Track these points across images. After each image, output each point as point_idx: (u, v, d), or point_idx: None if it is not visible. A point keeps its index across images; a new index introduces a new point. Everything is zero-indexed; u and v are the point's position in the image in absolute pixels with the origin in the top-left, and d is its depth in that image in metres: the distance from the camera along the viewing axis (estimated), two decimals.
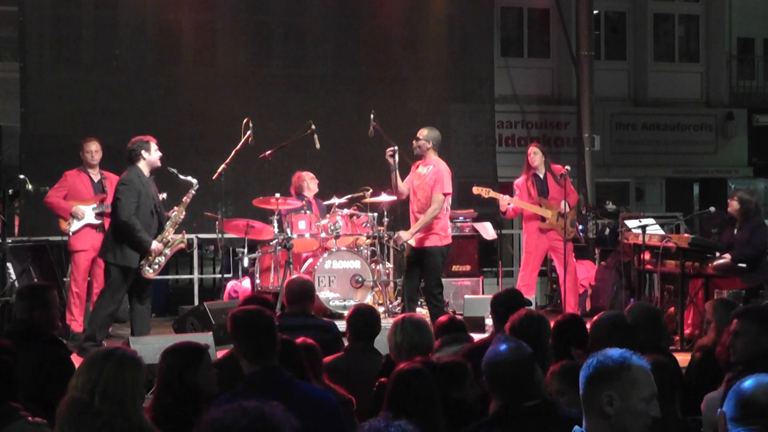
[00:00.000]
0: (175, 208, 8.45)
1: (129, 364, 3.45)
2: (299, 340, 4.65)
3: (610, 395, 2.95)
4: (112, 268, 8.10)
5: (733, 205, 9.37)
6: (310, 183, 10.78)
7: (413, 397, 3.81)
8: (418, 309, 10.29)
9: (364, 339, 5.40)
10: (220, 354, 5.99)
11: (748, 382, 3.10)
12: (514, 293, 5.87)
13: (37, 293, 5.41)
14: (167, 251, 8.30)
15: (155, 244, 8.13)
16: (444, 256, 8.96)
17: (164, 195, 8.44)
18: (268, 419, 2.31)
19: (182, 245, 8.50)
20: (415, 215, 8.94)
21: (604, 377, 2.98)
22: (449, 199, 8.95)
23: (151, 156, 8.15)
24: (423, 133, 8.96)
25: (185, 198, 8.48)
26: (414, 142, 8.98)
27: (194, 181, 8.49)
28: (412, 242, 8.89)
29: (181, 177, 8.45)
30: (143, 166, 8.12)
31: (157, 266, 8.21)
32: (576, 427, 3.08)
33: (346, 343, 5.65)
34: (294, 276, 6.61)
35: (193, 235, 12.15)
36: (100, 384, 3.36)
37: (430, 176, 8.81)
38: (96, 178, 9.50)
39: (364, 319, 5.45)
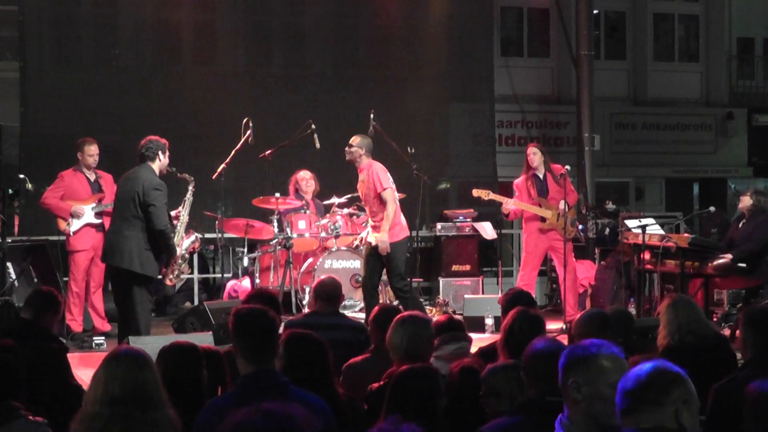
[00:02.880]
0: (179, 209, 8.39)
1: (141, 364, 3.33)
2: None
3: (576, 382, 3.12)
4: (134, 280, 7.66)
5: (745, 200, 9.41)
6: (310, 183, 10.78)
7: (413, 398, 3.79)
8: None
9: None
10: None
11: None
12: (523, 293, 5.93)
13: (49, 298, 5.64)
14: (185, 254, 8.28)
15: (178, 251, 8.07)
16: (400, 251, 8.93)
17: None
18: (291, 422, 2.31)
19: (195, 245, 8.49)
20: (373, 220, 8.99)
21: (572, 365, 3.16)
22: (395, 193, 8.96)
23: (165, 160, 7.90)
24: (356, 140, 8.93)
25: (187, 197, 8.43)
26: (346, 149, 8.96)
27: (191, 178, 8.42)
28: (372, 240, 8.90)
29: (180, 175, 8.35)
30: (156, 168, 7.83)
31: (178, 272, 8.13)
32: (560, 415, 3.22)
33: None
34: (324, 276, 6.55)
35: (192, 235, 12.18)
36: (112, 391, 3.24)
37: (368, 181, 8.85)
38: (92, 177, 9.47)
39: (392, 318, 5.41)
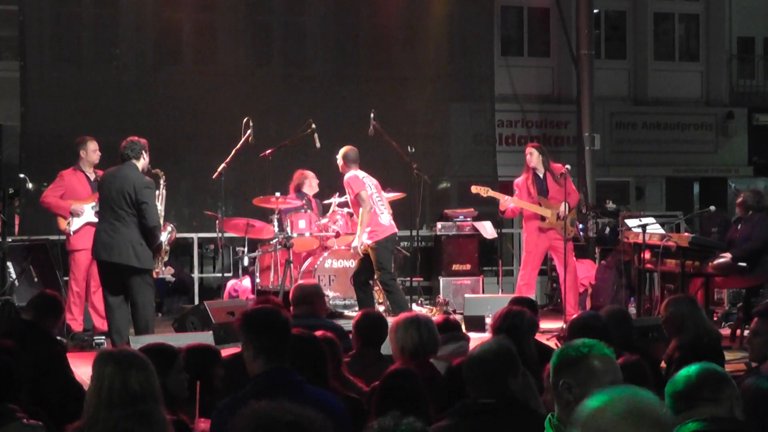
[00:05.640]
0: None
1: (132, 365, 3.27)
2: (318, 333, 4.65)
3: (568, 383, 3.12)
4: (135, 274, 7.82)
5: (740, 201, 9.44)
6: (311, 182, 10.79)
7: (401, 398, 3.79)
8: (417, 308, 10.32)
9: (374, 345, 5.37)
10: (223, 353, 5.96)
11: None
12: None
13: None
14: (167, 247, 8.43)
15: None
16: (385, 248, 9.19)
17: None
18: (308, 420, 2.31)
19: (173, 236, 8.66)
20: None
21: (564, 366, 3.15)
22: (370, 199, 9.18)
23: (147, 159, 8.12)
24: (339, 152, 9.39)
25: (160, 191, 8.54)
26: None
27: (162, 173, 8.54)
28: (369, 242, 9.18)
29: (152, 171, 8.43)
30: (140, 166, 8.02)
31: (161, 263, 8.36)
32: (549, 414, 3.23)
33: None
34: (301, 281, 6.65)
35: (193, 234, 12.18)
36: (108, 394, 3.18)
37: (346, 189, 9.29)
38: (92, 176, 9.48)
39: (373, 324, 5.41)
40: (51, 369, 5.04)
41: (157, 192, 8.44)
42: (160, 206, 8.52)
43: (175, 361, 4.07)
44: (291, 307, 6.50)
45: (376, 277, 9.19)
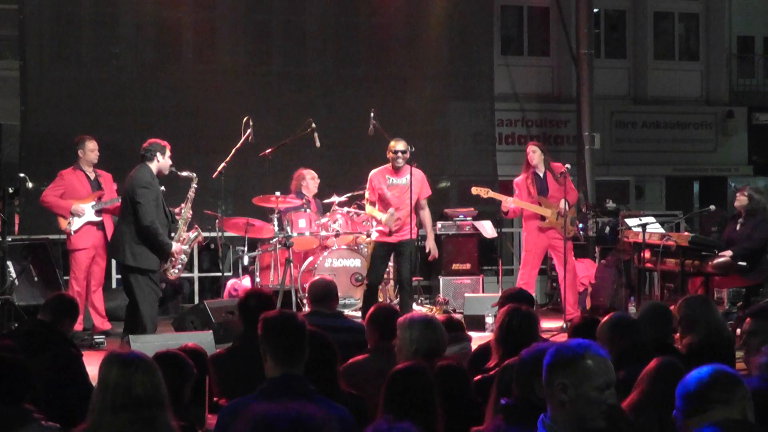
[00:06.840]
0: (182, 205, 8.52)
1: (139, 369, 3.23)
2: None
3: (563, 383, 3.12)
4: (131, 273, 8.03)
5: (741, 199, 9.42)
6: (310, 182, 10.79)
7: (411, 396, 3.79)
8: (417, 307, 10.33)
9: (390, 339, 5.35)
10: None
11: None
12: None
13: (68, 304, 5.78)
14: (187, 248, 8.47)
15: (175, 246, 8.26)
16: (416, 247, 9.40)
17: (162, 188, 8.44)
18: (310, 421, 2.32)
19: (200, 239, 8.73)
20: (397, 224, 9.07)
21: (559, 366, 3.15)
22: None
23: (164, 161, 8.22)
24: (406, 145, 9.06)
25: (189, 194, 8.57)
26: (401, 155, 9.02)
27: (193, 175, 8.57)
28: (429, 247, 9.31)
29: (181, 174, 8.49)
30: (153, 168, 8.16)
31: (180, 266, 8.40)
32: (541, 415, 3.21)
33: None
34: (317, 277, 6.59)
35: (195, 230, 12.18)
36: (112, 397, 3.16)
37: (416, 182, 9.07)
38: (92, 175, 9.50)
39: (391, 318, 5.39)
40: (68, 371, 5.05)
41: (188, 194, 8.53)
42: (188, 210, 8.56)
43: (191, 369, 4.07)
44: (308, 304, 6.44)
45: (403, 272, 9.08)
